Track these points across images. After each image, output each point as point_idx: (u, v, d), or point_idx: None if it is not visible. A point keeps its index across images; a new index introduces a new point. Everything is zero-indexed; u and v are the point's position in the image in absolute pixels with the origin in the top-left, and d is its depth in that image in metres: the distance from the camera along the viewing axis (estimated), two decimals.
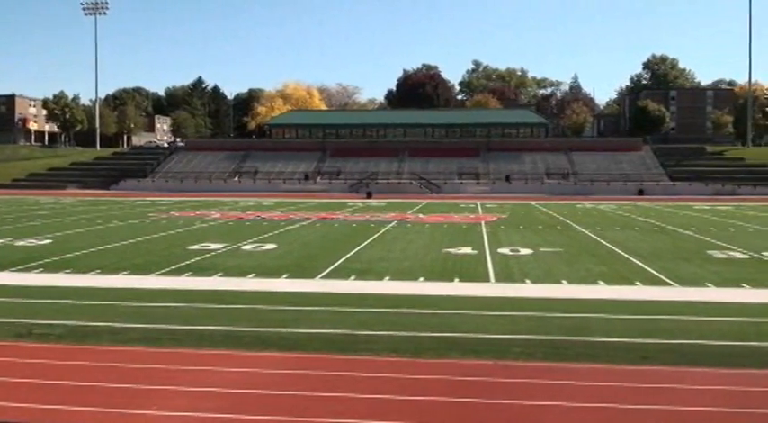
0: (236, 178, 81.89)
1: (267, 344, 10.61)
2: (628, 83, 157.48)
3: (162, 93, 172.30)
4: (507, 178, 78.39)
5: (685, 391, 8.72)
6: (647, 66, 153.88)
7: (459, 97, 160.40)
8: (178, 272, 17.84)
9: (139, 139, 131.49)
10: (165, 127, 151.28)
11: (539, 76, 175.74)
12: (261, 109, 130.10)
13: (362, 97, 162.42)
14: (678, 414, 7.82)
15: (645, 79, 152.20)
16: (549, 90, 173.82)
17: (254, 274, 17.50)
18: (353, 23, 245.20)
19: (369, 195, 65.82)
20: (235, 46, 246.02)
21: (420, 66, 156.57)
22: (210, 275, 17.35)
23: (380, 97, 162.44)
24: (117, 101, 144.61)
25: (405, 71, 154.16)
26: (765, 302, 14.55)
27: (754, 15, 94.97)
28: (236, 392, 8.39)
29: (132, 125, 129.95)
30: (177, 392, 8.37)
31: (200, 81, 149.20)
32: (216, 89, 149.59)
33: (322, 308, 13.44)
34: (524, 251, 22.65)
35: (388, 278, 17.17)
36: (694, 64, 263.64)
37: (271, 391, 8.46)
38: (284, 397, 8.25)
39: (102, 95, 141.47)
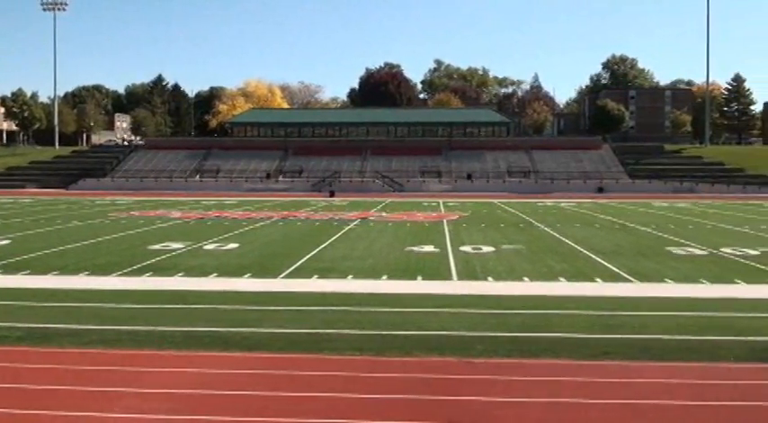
0: (198, 177, 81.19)
1: (229, 344, 10.54)
2: (588, 82, 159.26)
3: (122, 90, 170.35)
4: (469, 177, 78.79)
5: (646, 384, 8.85)
6: (606, 66, 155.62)
7: (422, 96, 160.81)
8: (139, 272, 17.65)
9: (99, 138, 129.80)
10: (124, 125, 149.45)
11: (500, 76, 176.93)
12: (222, 107, 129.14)
13: (325, 96, 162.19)
14: (639, 407, 7.93)
15: (604, 79, 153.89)
16: (510, 89, 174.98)
17: (215, 274, 17.38)
18: (315, 21, 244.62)
19: (331, 194, 65.70)
20: (195, 44, 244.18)
21: (382, 64, 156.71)
22: (172, 275, 17.19)
23: (343, 96, 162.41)
24: (76, 99, 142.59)
25: (367, 70, 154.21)
26: (723, 297, 14.83)
27: (711, 17, 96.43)
28: (199, 393, 8.32)
29: (92, 123, 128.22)
30: (139, 394, 8.27)
31: (160, 79, 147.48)
32: (176, 87, 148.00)
33: (284, 307, 13.40)
34: (486, 249, 22.79)
35: (351, 277, 17.16)
36: (653, 64, 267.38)
37: (233, 391, 8.40)
38: (246, 397, 8.20)
39: (61, 93, 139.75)
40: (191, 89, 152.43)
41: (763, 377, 9.24)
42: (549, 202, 54.48)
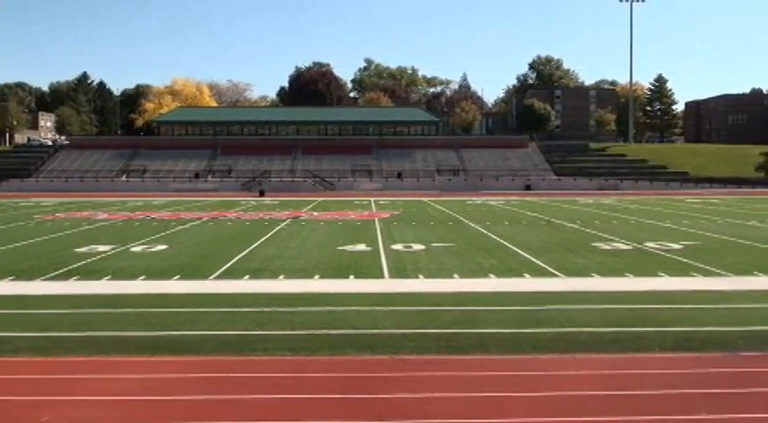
0: (124, 177, 79.63)
1: (160, 348, 10.40)
2: (515, 82, 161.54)
3: (46, 88, 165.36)
4: (399, 175, 79.21)
5: (574, 376, 9.09)
6: (532, 66, 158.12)
7: (352, 95, 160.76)
8: (65, 276, 17.23)
9: (22, 137, 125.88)
10: (49, 124, 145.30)
11: (429, 75, 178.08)
12: (149, 106, 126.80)
13: (254, 94, 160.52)
14: (567, 399, 8.14)
15: (531, 79, 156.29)
16: (439, 89, 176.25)
17: (144, 276, 17.10)
18: (244, 19, 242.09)
19: (262, 193, 65.24)
20: (121, 40, 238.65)
21: (312, 63, 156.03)
22: (99, 279, 16.84)
23: (272, 94, 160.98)
24: None
25: (297, 68, 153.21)
26: (647, 290, 15.29)
27: (635, 19, 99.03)
28: (131, 399, 8.20)
29: (15, 122, 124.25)
30: (69, 402, 8.10)
31: (85, 76, 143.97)
32: (102, 85, 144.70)
33: (215, 309, 13.29)
34: (417, 247, 22.98)
35: (282, 277, 17.11)
36: (578, 65, 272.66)
37: (165, 396, 8.31)
38: (179, 402, 8.12)
39: None
40: (116, 87, 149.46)
41: (686, 366, 9.58)
42: (477, 199, 55.14)
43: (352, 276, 17.18)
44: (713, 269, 18.05)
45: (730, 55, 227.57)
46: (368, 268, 18.45)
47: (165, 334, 11.26)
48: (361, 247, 23.09)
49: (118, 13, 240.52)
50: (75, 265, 18.87)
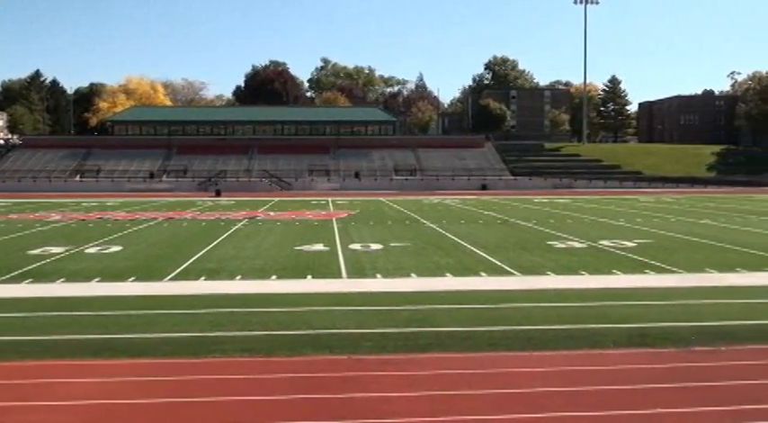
0: (78, 177, 78.32)
1: (116, 351, 10.28)
2: (470, 82, 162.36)
3: None
4: (357, 175, 79.22)
5: (530, 373, 9.21)
6: (488, 66, 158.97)
7: (309, 94, 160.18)
8: (18, 279, 16.91)
9: None
10: (0, 123, 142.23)
11: (386, 75, 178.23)
12: (103, 104, 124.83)
13: (209, 93, 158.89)
14: (524, 396, 8.25)
15: (486, 79, 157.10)
16: (395, 88, 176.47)
17: (99, 279, 16.88)
18: (199, 16, 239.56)
19: (218, 193, 64.74)
20: (74, 37, 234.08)
21: (268, 62, 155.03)
22: (53, 281, 16.57)
23: (228, 93, 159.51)
24: None
25: (253, 67, 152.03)
26: (601, 287, 15.56)
27: (589, 21, 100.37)
28: (87, 404, 8.10)
29: None
30: (25, 408, 7.96)
31: (37, 74, 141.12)
32: (55, 83, 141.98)
33: (172, 311, 13.18)
34: (375, 246, 23.03)
35: (239, 277, 17.02)
36: (533, 65, 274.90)
37: (122, 400, 8.21)
38: (136, 406, 8.05)
39: None
40: (70, 86, 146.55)
41: (640, 361, 9.76)
42: (434, 199, 55.40)
43: (309, 276, 17.16)
44: (666, 266, 18.41)
45: (683, 57, 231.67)
46: (326, 268, 18.44)
47: (121, 337, 11.13)
48: (319, 247, 23.06)
49: (71, 10, 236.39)
50: (28, 268, 18.54)
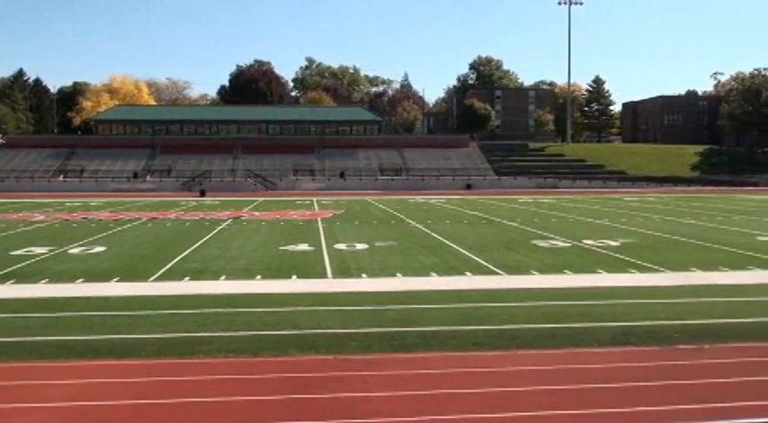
0: (61, 177, 77.80)
1: (100, 352, 10.23)
2: (455, 82, 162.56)
3: None
4: (342, 175, 79.16)
5: (515, 372, 9.25)
6: (473, 66, 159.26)
7: (293, 94, 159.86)
8: (1, 280, 16.77)
9: None
10: None
11: (371, 75, 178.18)
12: (86, 104, 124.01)
13: (193, 92, 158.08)
14: (509, 395, 8.28)
15: (471, 79, 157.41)
16: (380, 88, 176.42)
17: (83, 279, 16.78)
18: (183, 15, 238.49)
19: (202, 193, 64.52)
20: (58, 36, 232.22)
21: (253, 61, 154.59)
22: (36, 282, 16.46)
23: (212, 93, 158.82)
24: None
25: (237, 66, 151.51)
26: (585, 286, 15.64)
27: (573, 21, 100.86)
28: (71, 405, 8.05)
29: None
30: (8, 410, 7.91)
31: (21, 73, 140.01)
32: (38, 82, 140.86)
33: (156, 311, 13.12)
34: (360, 246, 23.02)
35: (224, 277, 16.97)
36: (517, 65, 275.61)
37: (107, 401, 8.17)
38: (121, 407, 8.00)
39: None
40: (53, 85, 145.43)
41: (624, 360, 9.81)
42: (419, 198, 55.47)
43: (294, 276, 17.14)
44: (650, 265, 18.52)
45: (666, 57, 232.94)
46: (311, 268, 18.42)
47: (105, 337, 11.07)
48: (304, 246, 23.03)
49: (55, 9, 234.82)
50: (11, 269, 18.41)
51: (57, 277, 17.08)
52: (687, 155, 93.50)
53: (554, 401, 8.09)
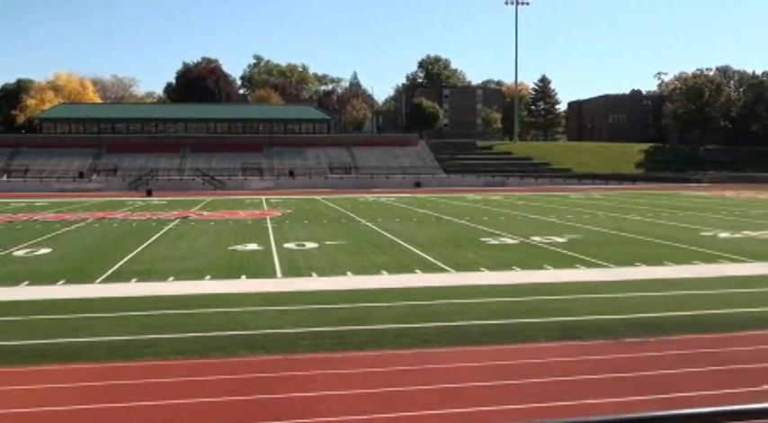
0: (5, 177, 76.04)
1: (46, 356, 10.05)
2: (404, 81, 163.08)
3: None
4: (291, 173, 78.86)
5: (464, 368, 9.35)
6: (421, 65, 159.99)
7: (241, 92, 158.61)
8: None
9: None
10: None
11: (320, 73, 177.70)
12: (30, 102, 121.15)
13: (140, 90, 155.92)
14: (459, 391, 8.38)
15: (420, 78, 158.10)
16: (329, 87, 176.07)
17: (28, 282, 16.45)
18: (129, 11, 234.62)
19: (149, 193, 63.64)
20: (1, 32, 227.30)
21: (200, 59, 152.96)
22: None
23: (159, 90, 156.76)
24: None
25: (185, 64, 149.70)
26: (533, 282, 15.87)
27: (519, 21, 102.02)
28: (17, 412, 7.91)
29: None
30: None
31: None
32: None
33: (103, 314, 12.94)
34: (310, 245, 23.00)
35: (172, 278, 16.81)
36: (465, 65, 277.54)
37: (54, 407, 8.05)
38: (69, 412, 7.90)
39: None
40: None
41: (571, 354, 10.00)
42: (369, 197, 55.56)
43: (244, 276, 17.06)
44: (596, 261, 18.87)
45: (611, 57, 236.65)
46: (260, 268, 18.36)
47: (51, 341, 10.89)
48: (253, 246, 22.92)
49: None
50: None
51: (1, 280, 16.71)
52: (632, 153, 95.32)
53: (503, 396, 8.22)
